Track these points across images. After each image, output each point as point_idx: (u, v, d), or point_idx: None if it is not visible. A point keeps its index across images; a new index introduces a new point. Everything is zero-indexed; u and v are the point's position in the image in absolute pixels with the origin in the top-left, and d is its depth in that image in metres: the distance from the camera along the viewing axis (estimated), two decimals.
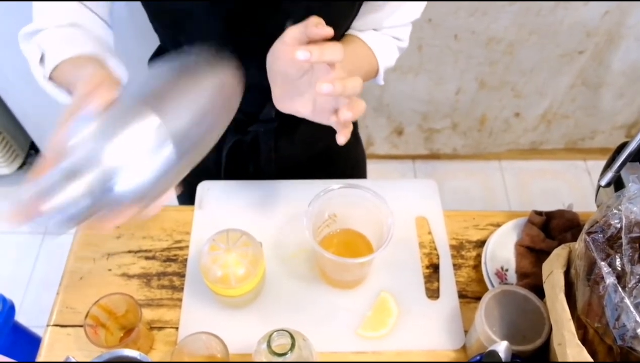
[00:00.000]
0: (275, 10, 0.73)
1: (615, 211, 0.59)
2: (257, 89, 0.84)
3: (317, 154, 1.02)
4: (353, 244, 0.86)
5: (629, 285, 0.56)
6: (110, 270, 0.86)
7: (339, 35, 0.85)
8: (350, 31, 0.86)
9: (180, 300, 0.83)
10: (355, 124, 1.08)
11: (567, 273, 0.66)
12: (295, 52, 0.55)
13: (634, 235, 0.58)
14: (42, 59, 0.71)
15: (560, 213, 0.89)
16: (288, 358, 0.63)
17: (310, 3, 0.73)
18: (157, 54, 0.94)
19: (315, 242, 0.75)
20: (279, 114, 0.86)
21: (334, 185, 0.80)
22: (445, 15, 1.57)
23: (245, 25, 0.75)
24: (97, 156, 0.46)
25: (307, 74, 0.63)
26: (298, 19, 0.75)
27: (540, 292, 0.71)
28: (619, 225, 0.58)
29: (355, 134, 1.10)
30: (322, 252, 0.74)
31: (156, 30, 0.85)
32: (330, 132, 0.94)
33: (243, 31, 0.76)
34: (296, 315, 0.82)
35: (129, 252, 0.88)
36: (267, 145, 0.94)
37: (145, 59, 0.98)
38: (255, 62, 0.79)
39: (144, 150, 0.48)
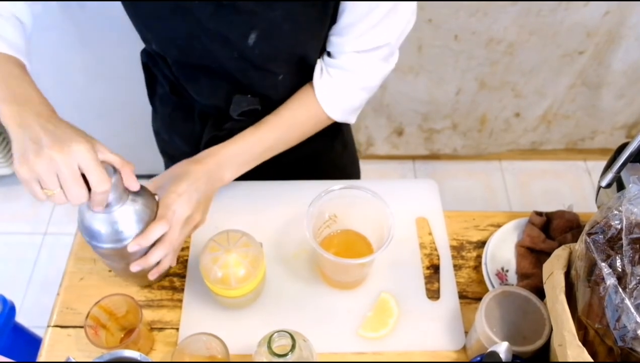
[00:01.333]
0: (239, 21, 0.74)
1: (615, 212, 0.59)
2: (221, 85, 0.85)
3: (301, 156, 1.00)
4: (353, 245, 0.86)
5: (630, 286, 0.56)
6: (110, 271, 0.86)
7: (312, 57, 0.83)
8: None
9: (180, 301, 0.83)
10: (341, 131, 1.07)
11: (567, 274, 0.66)
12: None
13: (634, 236, 0.58)
14: None
15: (560, 214, 0.89)
16: (288, 359, 0.63)
17: (273, 14, 0.73)
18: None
19: (315, 243, 0.75)
20: (246, 113, 0.88)
21: (335, 186, 0.80)
22: (445, 15, 1.57)
23: (208, 31, 0.75)
24: None
25: None
26: (262, 30, 0.74)
27: (540, 293, 0.71)
28: (619, 226, 0.58)
29: (343, 141, 1.09)
30: (322, 253, 0.74)
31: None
32: (315, 135, 0.95)
33: (206, 35, 0.76)
34: (297, 316, 0.82)
35: None
36: None
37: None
38: (218, 61, 0.79)
39: None
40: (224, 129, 0.91)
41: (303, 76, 0.87)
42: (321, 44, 0.83)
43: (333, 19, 0.78)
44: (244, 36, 0.76)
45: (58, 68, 1.59)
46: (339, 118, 0.87)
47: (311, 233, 0.76)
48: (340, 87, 0.84)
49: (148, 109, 1.07)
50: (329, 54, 0.84)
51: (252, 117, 0.88)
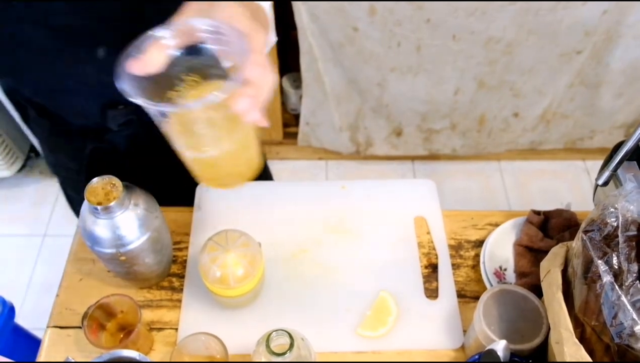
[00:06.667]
0: (83, 41, 0.71)
1: (612, 209, 0.60)
2: (91, 105, 0.83)
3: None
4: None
5: (626, 283, 0.56)
6: (109, 271, 0.86)
7: None
8: None
9: (179, 301, 0.83)
10: None
11: (564, 272, 0.66)
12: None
13: (630, 233, 0.58)
14: None
15: (558, 212, 0.89)
16: (287, 358, 0.63)
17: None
18: None
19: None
20: (125, 124, 0.85)
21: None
22: (444, 15, 1.57)
23: (56, 56, 0.72)
24: None
25: None
26: (107, 43, 0.70)
27: (538, 291, 0.71)
28: (615, 224, 0.59)
29: None
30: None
31: None
32: None
33: (59, 60, 0.73)
34: (295, 315, 0.82)
35: None
36: (127, 153, 0.92)
37: None
38: (80, 81, 0.76)
39: None
40: (105, 140, 0.89)
41: None
42: None
43: None
44: (93, 53, 0.72)
45: None
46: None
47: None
48: None
49: None
50: None
51: (131, 126, 0.86)
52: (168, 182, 0.96)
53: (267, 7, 0.71)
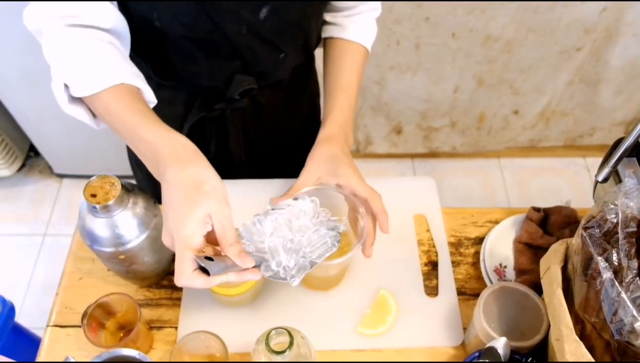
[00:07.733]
0: None
1: (611, 206, 0.60)
2: (222, 65, 0.84)
3: (282, 136, 1.02)
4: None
5: (626, 280, 0.56)
6: (109, 270, 0.86)
7: (312, 33, 0.87)
8: (332, 32, 0.90)
9: (179, 299, 0.83)
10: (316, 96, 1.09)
11: (564, 269, 0.66)
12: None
13: (630, 229, 0.58)
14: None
15: (558, 209, 0.89)
16: (287, 356, 0.63)
17: None
18: None
19: None
20: (244, 93, 0.88)
21: (307, 187, 0.77)
22: (443, 13, 1.57)
23: (219, 6, 0.75)
24: None
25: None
26: (274, 3, 0.76)
27: (539, 288, 0.71)
28: (615, 220, 0.59)
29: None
30: None
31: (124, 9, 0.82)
32: (295, 116, 0.99)
33: (216, 11, 0.76)
34: (295, 314, 0.82)
35: None
36: (235, 126, 0.94)
37: None
38: (226, 37, 0.79)
39: None
40: (215, 109, 0.90)
41: (301, 56, 0.90)
42: (321, 18, 0.88)
43: None
44: (255, 10, 0.76)
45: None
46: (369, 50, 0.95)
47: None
48: (365, 25, 0.92)
49: None
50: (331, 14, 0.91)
51: (246, 97, 0.89)
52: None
53: None
